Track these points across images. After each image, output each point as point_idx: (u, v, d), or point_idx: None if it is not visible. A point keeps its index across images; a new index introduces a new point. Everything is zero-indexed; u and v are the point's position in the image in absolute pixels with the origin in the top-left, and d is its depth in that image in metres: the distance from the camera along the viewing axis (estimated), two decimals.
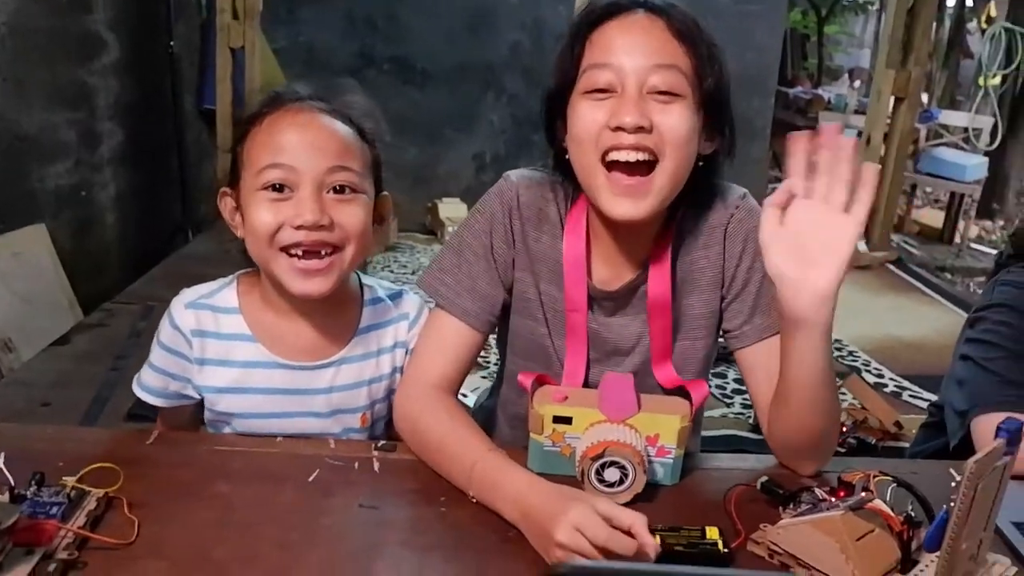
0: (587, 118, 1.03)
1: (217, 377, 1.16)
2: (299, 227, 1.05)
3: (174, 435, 1.14)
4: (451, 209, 4.56)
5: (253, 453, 1.07)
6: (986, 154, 6.22)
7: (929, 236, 6.65)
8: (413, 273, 3.94)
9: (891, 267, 4.56)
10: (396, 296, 1.25)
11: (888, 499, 0.91)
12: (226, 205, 1.15)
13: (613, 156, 1.01)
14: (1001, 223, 7.48)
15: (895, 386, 2.90)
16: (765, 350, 1.12)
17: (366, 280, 1.24)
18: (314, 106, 1.11)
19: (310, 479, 1.02)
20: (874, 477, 0.93)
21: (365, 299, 1.22)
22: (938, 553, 0.80)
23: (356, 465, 1.06)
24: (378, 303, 1.22)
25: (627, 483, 0.98)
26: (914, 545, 0.87)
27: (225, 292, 1.18)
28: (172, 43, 4.22)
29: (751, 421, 2.46)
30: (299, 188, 1.06)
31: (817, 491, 0.95)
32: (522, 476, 0.95)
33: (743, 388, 2.71)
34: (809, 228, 0.93)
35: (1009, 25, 6.09)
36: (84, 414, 2.23)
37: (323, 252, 1.08)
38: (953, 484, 0.77)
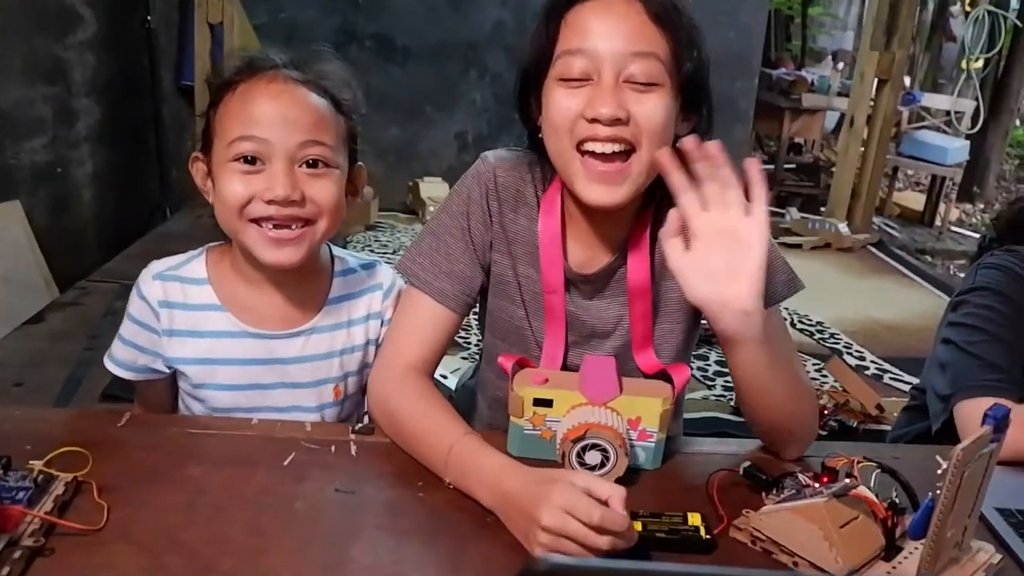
0: (562, 106, 1.01)
1: (187, 348, 1.15)
2: (270, 201, 1.04)
3: (145, 418, 1.12)
4: (432, 189, 4.52)
5: (227, 436, 1.05)
6: (967, 137, 6.23)
7: (910, 219, 6.69)
8: (394, 253, 3.90)
9: (872, 249, 4.57)
10: (369, 267, 1.24)
11: (872, 485, 0.90)
12: (198, 171, 1.13)
13: (588, 147, 1.00)
14: (981, 206, 7.54)
15: (876, 368, 2.90)
16: None
17: (337, 252, 1.23)
18: (289, 75, 1.08)
19: (285, 463, 0.99)
20: (858, 463, 0.93)
21: (335, 270, 1.21)
22: (923, 540, 0.79)
23: (333, 448, 1.04)
24: (349, 274, 1.22)
25: (608, 466, 0.97)
26: (898, 532, 0.86)
27: (194, 263, 1.17)
28: (149, 17, 4.14)
29: (732, 403, 2.46)
30: (271, 161, 1.05)
31: (800, 476, 0.94)
32: (498, 460, 0.93)
33: (725, 370, 2.72)
34: (715, 245, 0.93)
35: (992, 8, 6.07)
36: (58, 395, 2.19)
37: (294, 225, 1.07)
38: (939, 471, 0.76)
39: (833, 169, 6.62)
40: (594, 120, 0.98)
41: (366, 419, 1.12)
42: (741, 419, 2.41)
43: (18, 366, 2.37)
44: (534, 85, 1.06)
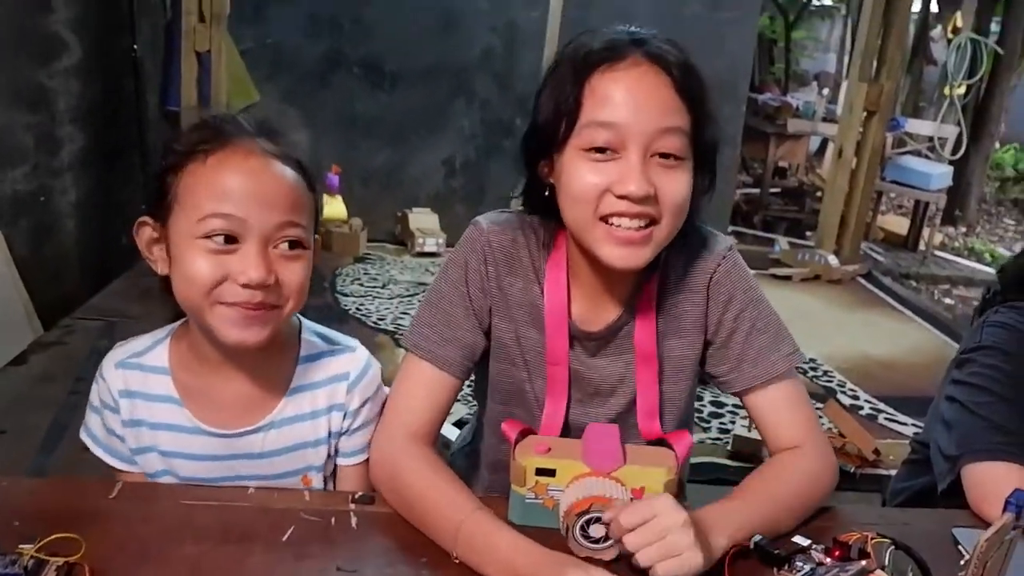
0: (587, 181, 0.99)
1: (144, 438, 1.11)
2: (244, 285, 0.98)
3: (138, 489, 1.08)
4: (422, 220, 4.49)
5: (223, 507, 1.02)
6: (950, 163, 6.30)
7: (894, 243, 6.74)
8: (384, 287, 3.87)
9: (862, 281, 4.58)
10: (338, 352, 1.15)
11: (887, 563, 0.88)
12: (143, 236, 1.04)
13: (614, 221, 0.99)
14: (963, 230, 7.62)
15: (871, 408, 2.90)
16: (763, 393, 1.12)
17: (307, 332, 1.16)
18: (264, 149, 1.02)
19: (284, 538, 0.96)
20: (871, 539, 0.91)
21: (301, 354, 1.14)
22: None
23: (333, 520, 1.01)
24: (315, 360, 1.14)
25: (612, 539, 0.95)
26: None
27: (158, 349, 1.12)
28: (135, 44, 4.11)
29: (729, 447, 2.44)
30: (245, 241, 0.98)
31: (814, 554, 0.93)
32: (511, 538, 0.91)
33: (720, 412, 2.71)
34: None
35: (974, 36, 6.16)
36: (42, 441, 2.15)
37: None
38: (962, 563, 0.74)
39: (818, 193, 6.68)
40: (622, 197, 0.97)
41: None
42: (738, 464, 2.42)
43: (1, 411, 2.32)
44: (550, 146, 1.04)
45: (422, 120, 5.00)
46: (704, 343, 1.15)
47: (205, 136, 1.01)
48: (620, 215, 0.98)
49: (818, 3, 11.75)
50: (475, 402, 1.32)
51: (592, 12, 4.30)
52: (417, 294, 3.78)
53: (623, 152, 0.97)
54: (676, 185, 0.99)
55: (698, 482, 1.14)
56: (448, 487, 1.00)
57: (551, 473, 1.00)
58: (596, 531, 0.95)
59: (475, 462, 1.28)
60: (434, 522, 0.97)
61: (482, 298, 1.12)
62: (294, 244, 1.01)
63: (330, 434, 1.14)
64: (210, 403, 1.10)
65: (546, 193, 1.06)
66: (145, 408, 1.10)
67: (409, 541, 0.98)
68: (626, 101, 0.97)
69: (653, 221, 1.00)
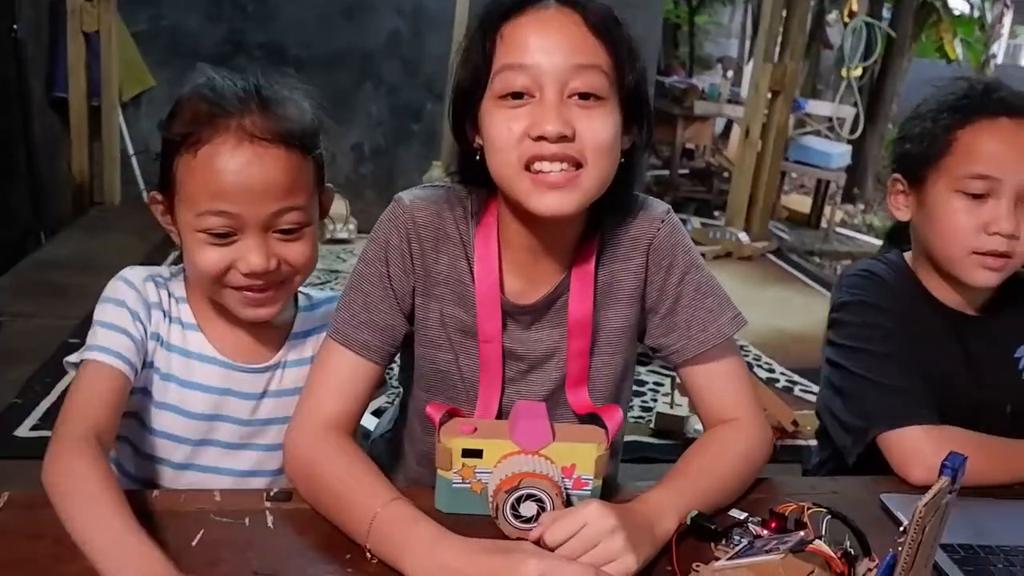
0: (503, 127, 0.96)
1: (158, 358, 1.10)
2: (247, 274, 1.02)
3: (25, 499, 0.97)
4: (333, 206, 4.36)
5: None
6: (849, 142, 6.53)
7: (797, 221, 6.94)
8: None
9: (771, 257, 4.70)
10: (332, 300, 1.19)
11: (824, 532, 0.87)
12: (157, 210, 1.09)
13: (536, 166, 0.95)
14: (862, 207, 7.93)
15: (786, 381, 2.96)
16: (705, 364, 1.11)
17: (302, 287, 1.19)
18: (253, 133, 1.00)
19: (194, 543, 0.89)
20: (808, 509, 0.90)
21: (300, 305, 1.19)
22: None
23: (247, 521, 0.94)
24: (313, 308, 1.20)
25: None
26: None
27: (175, 280, 1.14)
28: (16, 26, 3.86)
29: (652, 425, 2.45)
30: (243, 233, 1.01)
31: (751, 526, 0.91)
32: (431, 529, 0.86)
33: (642, 390, 2.71)
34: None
35: (869, 19, 6.38)
36: None
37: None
38: (901, 528, 0.73)
39: (725, 174, 6.82)
40: (540, 138, 0.94)
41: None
42: (662, 442, 2.43)
43: None
44: (470, 106, 1.00)
45: (329, 106, 4.86)
46: (642, 313, 1.12)
47: (194, 122, 1.00)
48: (540, 158, 0.94)
49: None
50: (395, 389, 1.27)
51: None
52: (329, 282, 3.69)
53: (539, 94, 0.94)
54: (596, 124, 0.95)
55: (623, 461, 1.12)
56: (364, 476, 0.95)
57: (478, 454, 0.96)
58: (527, 509, 0.91)
59: (396, 450, 1.23)
60: (348, 514, 0.91)
61: (404, 278, 1.07)
62: (294, 228, 1.04)
63: None
64: (222, 336, 1.12)
65: (477, 158, 1.02)
66: (166, 328, 1.10)
67: (331, 539, 0.92)
68: (537, 42, 0.94)
69: (579, 165, 0.96)
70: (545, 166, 0.95)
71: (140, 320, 1.07)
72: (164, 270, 1.14)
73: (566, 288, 1.08)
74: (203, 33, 4.64)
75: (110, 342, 1.03)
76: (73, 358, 1.05)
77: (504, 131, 0.95)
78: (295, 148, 1.03)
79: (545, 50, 0.94)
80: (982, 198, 1.18)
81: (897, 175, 1.28)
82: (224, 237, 1.01)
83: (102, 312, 1.06)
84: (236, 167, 0.99)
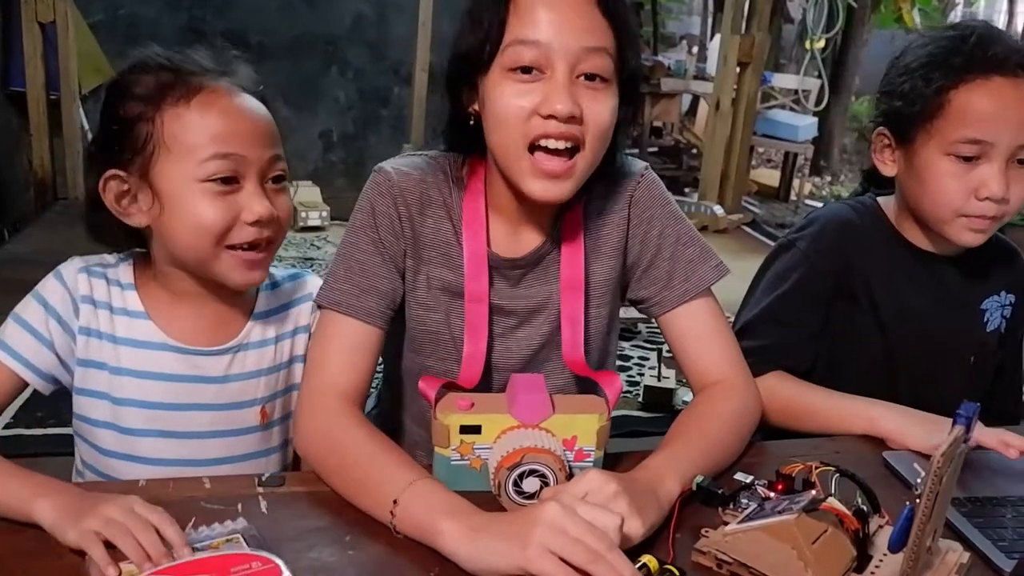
0: (513, 103, 0.97)
1: (102, 353, 1.06)
2: (253, 223, 1.00)
3: None
4: (304, 194, 4.33)
5: None
6: (815, 114, 6.56)
7: (767, 195, 6.97)
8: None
9: (747, 229, 4.72)
10: (295, 277, 1.19)
11: (834, 491, 0.86)
12: (110, 190, 1.01)
13: (542, 143, 0.97)
14: (829, 179, 7.99)
15: None
16: (688, 314, 1.12)
17: None
18: (242, 83, 1.04)
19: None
20: (815, 468, 0.89)
21: (261, 285, 1.14)
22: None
23: (240, 507, 0.90)
24: (275, 287, 1.17)
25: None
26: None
27: (123, 266, 1.09)
28: None
29: (640, 399, 2.43)
30: (245, 180, 1.00)
31: (759, 489, 0.90)
32: (463, 504, 0.86)
33: (627, 364, 2.70)
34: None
35: None
36: None
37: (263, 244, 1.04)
38: (918, 480, 0.72)
39: (694, 151, 6.83)
40: (549, 116, 0.95)
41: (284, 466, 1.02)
42: (650, 415, 2.42)
43: None
44: (473, 71, 1.00)
45: (294, 93, 4.79)
46: (624, 268, 1.14)
47: (168, 79, 0.99)
48: (547, 136, 0.96)
49: None
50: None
51: None
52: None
53: (549, 72, 0.96)
54: (601, 107, 0.98)
55: (613, 436, 1.10)
56: (392, 452, 0.94)
57: (476, 430, 0.94)
58: (530, 485, 0.90)
59: (386, 425, 1.20)
60: (374, 489, 0.89)
61: (394, 241, 1.08)
62: (281, 177, 1.04)
63: (292, 358, 1.16)
64: (177, 322, 1.08)
65: (471, 123, 1.04)
66: (107, 320, 1.06)
67: (329, 521, 0.89)
68: (551, 19, 0.95)
69: (578, 146, 0.98)
70: (551, 143, 0.96)
71: (61, 320, 1.04)
72: (109, 258, 1.10)
73: (555, 245, 1.10)
74: (162, 22, 4.54)
75: (15, 341, 1.03)
76: None
77: (513, 106, 0.97)
78: (266, 105, 1.05)
79: (558, 28, 0.95)
80: (973, 160, 1.17)
81: (883, 130, 1.27)
82: (228, 184, 0.99)
83: (24, 306, 1.05)
84: (238, 109, 1.00)
